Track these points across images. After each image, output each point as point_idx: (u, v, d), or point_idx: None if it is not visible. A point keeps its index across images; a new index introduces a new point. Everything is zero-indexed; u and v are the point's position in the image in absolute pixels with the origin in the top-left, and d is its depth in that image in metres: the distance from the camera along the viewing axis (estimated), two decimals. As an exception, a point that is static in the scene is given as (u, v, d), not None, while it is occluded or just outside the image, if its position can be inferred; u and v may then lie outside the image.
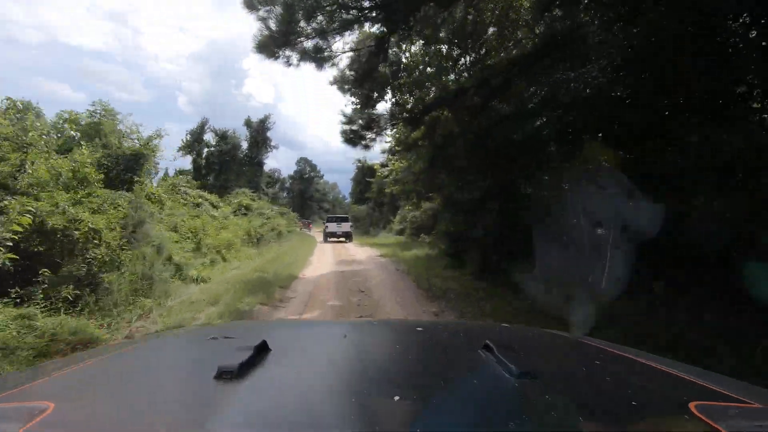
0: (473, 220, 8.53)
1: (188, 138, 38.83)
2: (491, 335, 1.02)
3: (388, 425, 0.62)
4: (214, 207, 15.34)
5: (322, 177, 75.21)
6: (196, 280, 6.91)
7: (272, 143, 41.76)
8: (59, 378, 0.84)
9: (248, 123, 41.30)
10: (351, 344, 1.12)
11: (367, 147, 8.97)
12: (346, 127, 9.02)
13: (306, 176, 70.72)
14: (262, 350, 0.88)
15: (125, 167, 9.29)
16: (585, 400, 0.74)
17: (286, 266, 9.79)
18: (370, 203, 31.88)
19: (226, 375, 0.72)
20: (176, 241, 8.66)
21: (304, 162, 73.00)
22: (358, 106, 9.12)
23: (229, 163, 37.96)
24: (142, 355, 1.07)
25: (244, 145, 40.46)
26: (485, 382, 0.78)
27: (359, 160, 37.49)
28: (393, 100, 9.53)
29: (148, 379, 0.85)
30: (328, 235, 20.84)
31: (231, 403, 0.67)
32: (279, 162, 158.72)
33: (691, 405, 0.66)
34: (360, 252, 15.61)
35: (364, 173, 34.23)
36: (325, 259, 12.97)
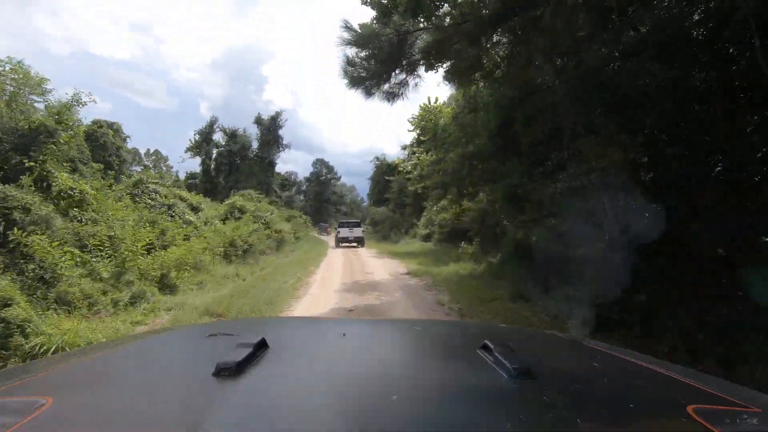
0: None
1: (197, 138, 36.41)
2: (489, 335, 1.00)
3: (387, 424, 0.61)
4: (194, 210, 12.13)
5: (339, 179, 71.60)
6: (34, 353, 3.40)
7: (284, 142, 38.24)
8: (58, 373, 0.85)
9: (258, 121, 38.44)
10: (350, 342, 1.10)
11: (391, 96, 5.06)
12: (353, 54, 4.91)
13: (322, 178, 68.03)
14: (260, 348, 0.87)
15: (15, 146, 6.09)
16: (583, 402, 0.74)
17: (269, 297, 6.30)
18: (390, 205, 28.36)
19: (224, 372, 0.73)
20: (80, 262, 5.34)
21: (320, 164, 68.70)
22: (378, 17, 5.07)
23: (239, 163, 35.65)
24: (141, 351, 1.06)
25: (255, 144, 37.86)
26: (483, 382, 0.79)
27: (377, 157, 34.27)
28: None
29: (146, 376, 0.84)
30: (339, 241, 20.03)
31: (229, 400, 0.66)
32: (298, 166, 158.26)
33: (689, 408, 0.66)
34: (379, 266, 11.95)
35: (384, 171, 30.79)
36: (331, 279, 9.37)
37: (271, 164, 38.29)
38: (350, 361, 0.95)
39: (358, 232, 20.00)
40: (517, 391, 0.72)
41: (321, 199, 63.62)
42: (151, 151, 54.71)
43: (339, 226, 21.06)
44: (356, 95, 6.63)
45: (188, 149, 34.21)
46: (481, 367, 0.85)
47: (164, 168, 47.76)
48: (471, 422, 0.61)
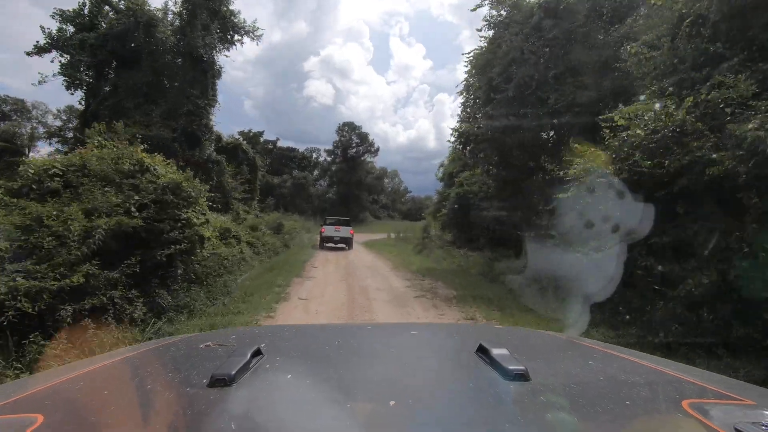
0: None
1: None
2: (485, 337, 1.01)
3: (384, 431, 0.62)
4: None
5: (376, 152, 49.45)
6: None
7: (237, 20, 15.53)
8: (49, 390, 0.83)
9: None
10: (345, 349, 1.11)
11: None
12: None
13: (352, 151, 47.94)
14: (255, 357, 0.88)
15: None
16: (579, 401, 0.74)
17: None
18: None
19: (219, 382, 0.73)
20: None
21: (348, 130, 47.59)
22: None
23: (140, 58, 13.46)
24: (134, 364, 1.05)
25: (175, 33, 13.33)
26: (480, 384, 0.81)
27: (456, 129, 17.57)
28: None
29: (140, 389, 0.82)
30: (324, 240, 17.95)
31: (224, 410, 0.66)
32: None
33: (684, 403, 0.68)
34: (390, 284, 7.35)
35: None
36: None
37: (202, 61, 14.27)
38: (346, 367, 0.94)
39: (345, 231, 18.12)
40: (514, 393, 0.74)
41: (350, 182, 45.91)
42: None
43: (324, 224, 19.06)
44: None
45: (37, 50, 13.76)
46: (478, 369, 0.87)
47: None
48: (469, 426, 0.63)
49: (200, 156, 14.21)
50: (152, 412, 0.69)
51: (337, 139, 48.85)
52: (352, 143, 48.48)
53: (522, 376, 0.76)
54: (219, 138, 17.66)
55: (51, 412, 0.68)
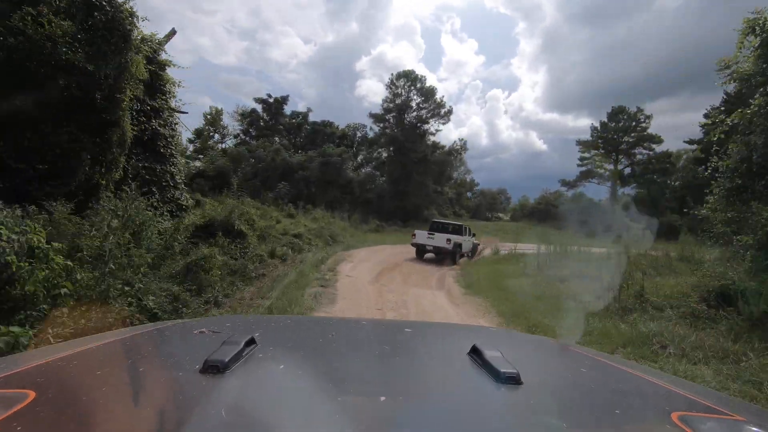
0: None
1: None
2: (479, 339, 1.00)
3: (374, 426, 0.62)
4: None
5: (446, 116, 32.23)
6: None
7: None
8: (42, 367, 0.81)
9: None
10: (339, 342, 1.11)
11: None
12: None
13: (411, 112, 31.61)
14: (248, 345, 0.87)
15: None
16: (569, 407, 0.75)
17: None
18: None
19: (211, 369, 0.72)
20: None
21: (406, 82, 31.27)
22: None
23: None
24: (128, 346, 1.03)
25: None
26: (471, 386, 0.81)
27: None
28: None
29: (132, 371, 0.82)
30: (418, 249, 14.45)
31: (216, 397, 0.66)
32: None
33: (674, 415, 0.67)
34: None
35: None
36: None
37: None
38: (339, 360, 0.95)
39: (441, 240, 13.63)
40: (504, 396, 0.74)
41: (407, 161, 29.62)
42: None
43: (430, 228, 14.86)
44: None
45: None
46: (470, 370, 0.86)
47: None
48: (457, 426, 0.62)
49: None
50: (144, 395, 0.71)
51: (389, 96, 33.03)
52: (411, 102, 32.29)
53: (513, 379, 0.76)
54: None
55: (43, 389, 0.66)
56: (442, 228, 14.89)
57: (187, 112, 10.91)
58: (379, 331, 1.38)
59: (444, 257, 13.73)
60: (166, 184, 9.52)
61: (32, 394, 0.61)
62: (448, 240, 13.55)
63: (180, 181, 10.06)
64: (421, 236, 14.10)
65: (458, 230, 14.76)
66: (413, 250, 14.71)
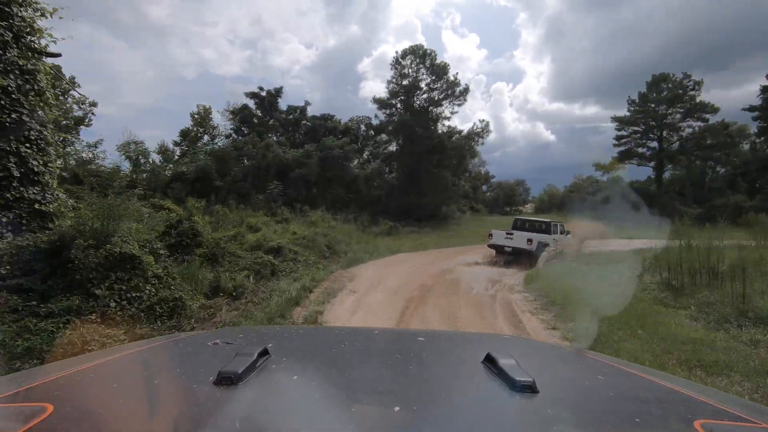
0: None
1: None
2: (493, 347, 0.98)
3: None
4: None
5: (462, 96, 26.66)
6: None
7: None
8: (59, 380, 0.82)
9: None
10: (352, 352, 1.10)
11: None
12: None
13: (421, 93, 26.66)
14: (262, 356, 0.88)
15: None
16: (587, 416, 0.72)
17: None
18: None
19: (225, 381, 0.73)
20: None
21: (414, 60, 26.24)
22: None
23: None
24: (143, 359, 1.04)
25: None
26: (486, 395, 0.79)
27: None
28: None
29: (148, 383, 0.83)
30: (496, 250, 12.98)
31: (230, 408, 0.66)
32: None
33: (696, 423, 0.64)
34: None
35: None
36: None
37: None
38: (352, 370, 0.94)
39: (521, 240, 12.04)
40: (520, 405, 0.72)
41: (418, 150, 24.96)
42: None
43: (512, 227, 13.53)
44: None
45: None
46: (485, 379, 0.85)
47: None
48: None
49: None
50: (159, 407, 0.71)
51: (395, 76, 28.33)
52: (420, 82, 27.55)
53: (529, 388, 0.75)
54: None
55: (61, 402, 0.67)
56: (529, 226, 13.33)
57: (59, 54, 6.63)
58: (391, 340, 1.38)
59: (524, 260, 11.85)
60: (10, 176, 5.34)
61: (50, 408, 0.63)
62: (530, 240, 11.86)
63: (48, 175, 5.83)
64: (499, 236, 12.78)
65: (545, 228, 12.78)
66: (445, 263, 11.74)
